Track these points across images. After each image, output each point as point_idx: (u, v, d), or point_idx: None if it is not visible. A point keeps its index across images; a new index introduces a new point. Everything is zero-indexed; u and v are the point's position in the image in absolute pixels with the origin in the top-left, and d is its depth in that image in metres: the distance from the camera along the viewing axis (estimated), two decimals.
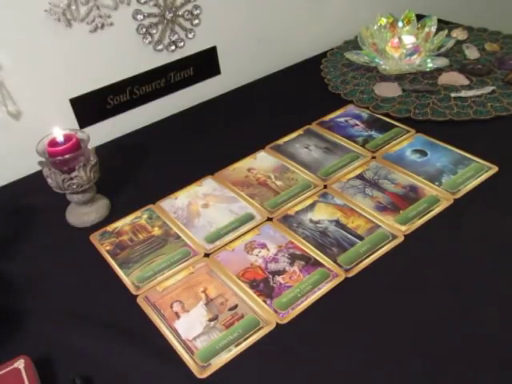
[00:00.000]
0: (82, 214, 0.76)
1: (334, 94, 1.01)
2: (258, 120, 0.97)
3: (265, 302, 0.61)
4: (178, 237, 0.72)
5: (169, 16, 0.94)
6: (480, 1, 1.57)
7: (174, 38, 0.97)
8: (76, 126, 0.93)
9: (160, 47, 0.97)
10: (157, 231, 0.73)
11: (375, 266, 0.64)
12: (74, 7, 0.83)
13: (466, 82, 0.97)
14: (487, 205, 0.71)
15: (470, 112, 0.89)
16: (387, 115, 0.93)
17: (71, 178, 0.71)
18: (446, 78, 0.99)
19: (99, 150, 0.76)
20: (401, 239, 0.67)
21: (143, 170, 0.87)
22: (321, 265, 0.65)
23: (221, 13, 1.01)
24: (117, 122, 0.97)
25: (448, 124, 0.88)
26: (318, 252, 0.67)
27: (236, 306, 0.61)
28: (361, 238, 0.68)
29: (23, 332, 0.61)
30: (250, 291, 0.62)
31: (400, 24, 1.05)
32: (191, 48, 1.01)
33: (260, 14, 1.08)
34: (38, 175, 0.75)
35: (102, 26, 0.88)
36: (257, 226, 0.72)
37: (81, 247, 0.73)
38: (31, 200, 0.82)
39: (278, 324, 0.58)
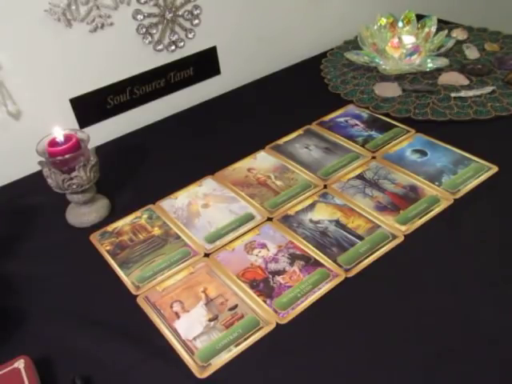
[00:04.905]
0: (81, 214, 0.76)
1: (334, 93, 1.01)
2: (258, 120, 0.97)
3: (265, 301, 0.61)
4: (178, 237, 0.72)
5: (169, 16, 0.94)
6: (480, 1, 1.57)
7: (174, 38, 0.97)
8: (76, 126, 0.93)
9: (160, 47, 0.97)
10: (157, 231, 0.73)
11: (375, 266, 0.64)
12: (74, 7, 0.83)
13: (466, 81, 0.97)
14: (487, 205, 0.71)
15: (470, 112, 0.89)
16: (387, 115, 0.93)
17: (71, 178, 0.71)
18: (445, 78, 0.99)
19: (99, 149, 0.76)
20: (401, 239, 0.67)
21: (143, 170, 0.87)
22: (321, 265, 0.65)
23: (221, 13, 1.01)
24: (117, 122, 0.97)
25: (448, 124, 0.88)
26: (318, 252, 0.67)
27: (236, 306, 0.61)
28: (361, 238, 0.68)
29: (23, 332, 0.61)
30: (250, 291, 0.62)
31: (400, 24, 1.05)
32: (191, 48, 1.01)
33: (260, 13, 1.08)
34: (38, 175, 0.75)
35: (102, 25, 0.88)
36: (257, 226, 0.72)
37: (81, 247, 0.72)
38: (31, 200, 0.82)
39: (278, 324, 0.58)
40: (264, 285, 0.63)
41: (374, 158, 0.83)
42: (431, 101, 0.94)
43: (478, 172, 0.77)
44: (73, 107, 0.91)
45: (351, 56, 1.08)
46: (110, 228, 0.75)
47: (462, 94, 0.94)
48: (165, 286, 0.65)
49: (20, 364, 0.53)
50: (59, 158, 0.69)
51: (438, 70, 1.02)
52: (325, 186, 0.78)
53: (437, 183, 0.76)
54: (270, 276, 0.64)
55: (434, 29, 1.01)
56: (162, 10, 0.93)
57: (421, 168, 0.79)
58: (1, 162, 0.87)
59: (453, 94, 0.94)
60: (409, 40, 1.01)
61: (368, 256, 0.65)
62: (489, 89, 0.94)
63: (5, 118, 0.84)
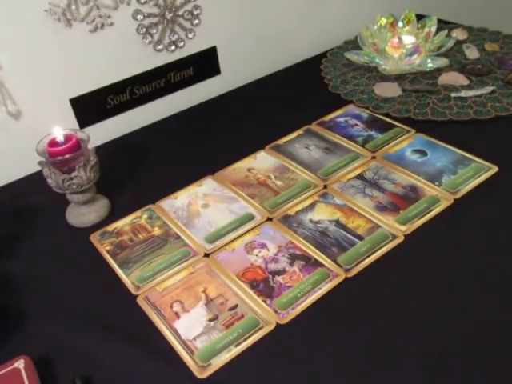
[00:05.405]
0: (81, 214, 0.76)
1: (334, 93, 1.01)
2: (258, 120, 0.97)
3: (265, 301, 0.61)
4: (178, 237, 0.72)
5: (169, 16, 0.94)
6: (480, 1, 1.57)
7: (174, 38, 0.97)
8: (76, 126, 0.93)
9: (160, 47, 0.97)
10: (157, 231, 0.73)
11: (375, 265, 0.64)
12: (73, 7, 0.83)
13: (466, 81, 0.97)
14: (487, 205, 0.71)
15: (470, 112, 0.89)
16: (387, 115, 0.93)
17: (71, 178, 0.71)
18: (445, 78, 0.99)
19: (99, 149, 0.76)
20: (401, 239, 0.67)
21: (143, 170, 0.87)
22: (321, 265, 0.65)
23: (221, 13, 1.01)
24: (117, 122, 0.97)
25: (448, 124, 0.88)
26: (318, 252, 0.67)
27: (236, 306, 0.61)
28: (361, 238, 0.68)
29: (23, 332, 0.61)
30: (250, 291, 0.62)
31: (400, 24, 1.05)
32: (191, 48, 1.01)
33: (260, 13, 1.08)
34: (38, 175, 0.75)
35: (102, 25, 0.88)
36: (257, 226, 0.72)
37: (81, 247, 0.73)
38: (31, 200, 0.82)
39: (278, 324, 0.58)
40: (264, 285, 0.63)
41: (374, 158, 0.83)
42: (431, 101, 0.94)
43: (478, 172, 0.77)
44: (73, 107, 0.91)
45: (351, 56, 1.08)
46: (110, 228, 0.75)
47: (462, 94, 0.94)
48: (165, 286, 0.65)
49: (20, 364, 0.53)
50: (59, 157, 0.69)
51: (438, 70, 1.01)
52: (325, 186, 0.78)
53: (437, 183, 0.76)
54: (270, 276, 0.64)
55: (433, 29, 1.01)
56: (162, 10, 0.93)
57: (421, 168, 0.79)
58: (1, 162, 0.87)
59: (453, 94, 0.94)
60: (409, 40, 1.01)
61: (368, 256, 0.65)
62: (489, 89, 0.94)
63: (5, 118, 0.84)
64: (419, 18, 1.04)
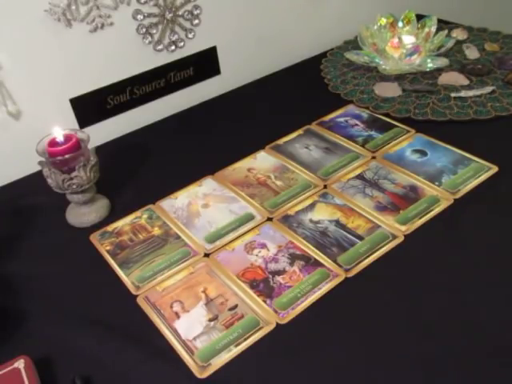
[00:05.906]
0: (81, 214, 0.76)
1: (334, 93, 1.01)
2: (258, 120, 0.97)
3: (265, 301, 0.61)
4: (178, 237, 0.72)
5: (169, 16, 0.94)
6: (480, 1, 1.57)
7: (174, 38, 0.97)
8: (76, 126, 0.93)
9: (160, 47, 0.97)
10: (157, 231, 0.73)
11: (375, 266, 0.64)
12: (74, 7, 0.83)
13: (466, 81, 0.97)
14: (487, 205, 0.71)
15: (470, 112, 0.89)
16: (387, 115, 0.93)
17: (71, 178, 0.71)
18: (445, 78, 0.99)
19: (99, 149, 0.76)
20: (401, 239, 0.67)
21: (143, 170, 0.87)
22: (321, 265, 0.65)
23: (221, 13, 1.01)
24: (117, 122, 0.97)
25: (448, 124, 0.88)
26: (318, 252, 0.67)
27: (236, 306, 0.61)
28: (361, 238, 0.68)
29: (23, 332, 0.61)
30: (250, 291, 0.62)
31: (400, 24, 1.05)
32: (191, 48, 1.01)
33: (260, 13, 1.08)
34: (38, 175, 0.75)
35: (102, 25, 0.88)
36: (257, 226, 0.72)
37: (81, 247, 0.73)
38: (31, 200, 0.82)
39: (278, 324, 0.58)
40: (264, 285, 0.63)
41: (374, 158, 0.83)
42: (431, 101, 0.94)
43: (478, 172, 0.77)
44: (73, 107, 0.91)
45: (351, 56, 1.08)
46: (110, 228, 0.75)
47: (462, 94, 0.94)
48: (165, 286, 0.65)
49: (20, 364, 0.53)
50: (59, 157, 0.69)
51: (438, 70, 1.02)
52: (325, 186, 0.78)
53: (437, 183, 0.76)
54: (270, 276, 0.64)
55: (433, 29, 1.01)
56: (162, 10, 0.93)
57: (421, 168, 0.79)
58: (1, 162, 0.87)
59: (453, 94, 0.94)
60: (409, 40, 1.01)
61: (368, 256, 0.65)
62: (489, 89, 0.94)
63: (5, 118, 0.84)
64: (419, 17, 1.04)
